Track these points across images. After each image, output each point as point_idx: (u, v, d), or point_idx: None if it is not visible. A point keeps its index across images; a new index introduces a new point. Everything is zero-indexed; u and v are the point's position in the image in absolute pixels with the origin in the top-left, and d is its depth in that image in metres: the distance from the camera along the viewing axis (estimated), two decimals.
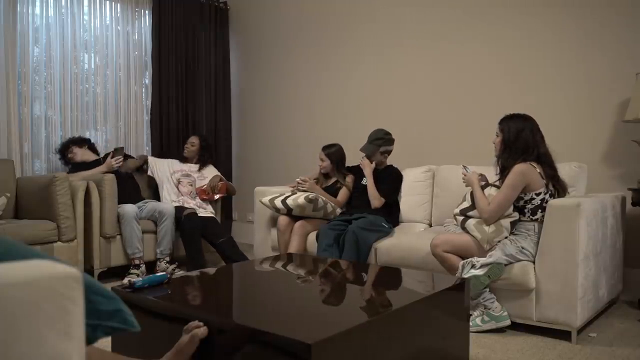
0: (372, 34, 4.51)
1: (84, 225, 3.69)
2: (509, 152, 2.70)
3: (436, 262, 2.79)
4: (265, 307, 1.76)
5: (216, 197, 4.36)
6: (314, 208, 3.48)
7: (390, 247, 3.15)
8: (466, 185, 2.86)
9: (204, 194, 4.31)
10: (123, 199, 3.89)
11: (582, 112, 3.50)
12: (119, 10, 4.80)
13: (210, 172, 4.50)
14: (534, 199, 2.63)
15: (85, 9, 4.59)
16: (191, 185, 4.35)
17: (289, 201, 3.50)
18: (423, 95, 4.22)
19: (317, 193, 3.57)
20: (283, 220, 3.56)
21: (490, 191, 2.73)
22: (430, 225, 3.66)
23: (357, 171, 3.73)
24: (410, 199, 3.70)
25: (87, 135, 4.53)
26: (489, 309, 2.62)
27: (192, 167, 4.46)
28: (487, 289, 2.63)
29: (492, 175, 2.87)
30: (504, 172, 2.70)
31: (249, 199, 4.85)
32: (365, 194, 3.53)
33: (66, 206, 3.54)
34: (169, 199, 4.24)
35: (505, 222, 2.66)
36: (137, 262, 3.79)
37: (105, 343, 1.97)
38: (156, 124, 4.95)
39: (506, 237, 2.66)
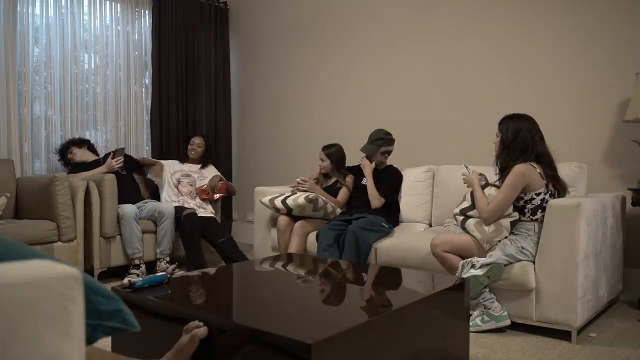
0: (371, 33, 4.51)
1: (84, 225, 3.69)
2: (507, 152, 2.70)
3: (436, 262, 2.79)
4: (265, 307, 1.76)
5: (216, 196, 4.37)
6: (314, 208, 3.48)
7: (390, 247, 3.15)
8: (467, 186, 2.86)
9: (204, 194, 4.31)
10: (123, 199, 3.89)
11: (582, 112, 3.50)
12: (119, 10, 4.80)
13: (210, 172, 4.51)
14: (534, 199, 2.63)
15: (85, 9, 4.59)
16: (191, 185, 4.35)
17: (289, 201, 3.50)
18: (423, 94, 4.21)
19: (317, 193, 3.57)
20: (283, 220, 3.56)
21: (490, 191, 2.73)
22: (430, 225, 3.66)
23: (357, 171, 3.73)
24: (410, 199, 3.70)
25: (87, 135, 4.53)
26: (489, 308, 2.62)
27: (193, 167, 4.46)
28: (487, 289, 2.63)
29: (492, 175, 2.87)
30: (503, 172, 2.70)
31: (249, 199, 4.85)
32: (365, 194, 3.53)
33: (66, 206, 3.54)
34: (169, 199, 4.24)
35: (505, 222, 2.66)
36: (137, 262, 3.79)
37: (105, 343, 1.97)
38: (156, 124, 4.95)
39: (506, 237, 2.66)
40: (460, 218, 2.82)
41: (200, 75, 5.23)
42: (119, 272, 3.83)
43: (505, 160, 2.70)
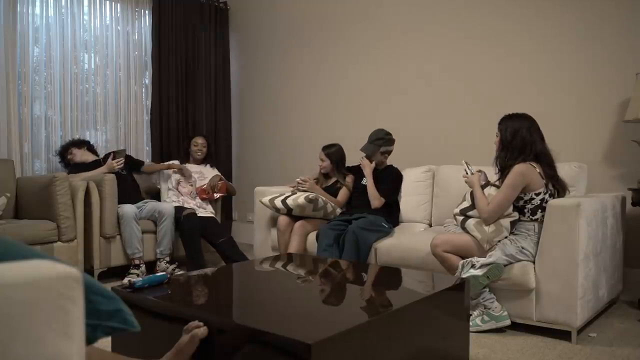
0: (371, 33, 4.50)
1: (84, 225, 3.69)
2: (507, 151, 2.70)
3: (436, 262, 2.79)
4: (265, 307, 1.76)
5: (216, 196, 4.37)
6: (314, 208, 3.48)
7: (390, 247, 3.15)
8: (469, 186, 2.85)
9: (204, 193, 4.31)
10: (123, 199, 3.89)
11: (582, 112, 3.50)
12: (119, 10, 4.81)
13: (210, 171, 4.51)
14: (533, 199, 2.63)
15: (85, 9, 4.59)
16: (191, 185, 4.35)
17: (289, 201, 3.50)
18: (423, 94, 4.21)
19: (317, 193, 3.57)
20: (283, 220, 3.56)
21: (490, 191, 2.73)
22: (430, 225, 3.66)
23: (357, 171, 3.73)
24: (410, 199, 3.70)
25: (87, 135, 4.54)
26: (489, 308, 2.62)
27: (193, 168, 4.46)
28: (487, 289, 2.63)
29: (492, 174, 2.86)
30: (503, 172, 2.70)
31: (249, 199, 4.86)
32: (365, 194, 3.53)
33: (66, 206, 3.54)
34: (169, 200, 4.24)
35: (505, 222, 2.66)
36: (137, 262, 3.79)
37: (105, 343, 1.97)
38: (156, 124, 4.95)
39: (506, 237, 2.66)
40: (460, 218, 2.82)
41: (200, 75, 5.23)
42: (119, 272, 3.84)
43: (505, 160, 2.70)
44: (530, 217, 2.66)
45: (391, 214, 3.59)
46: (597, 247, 2.64)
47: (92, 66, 4.63)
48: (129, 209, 3.81)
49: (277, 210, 3.59)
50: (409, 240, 3.12)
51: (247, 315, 1.67)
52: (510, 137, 2.69)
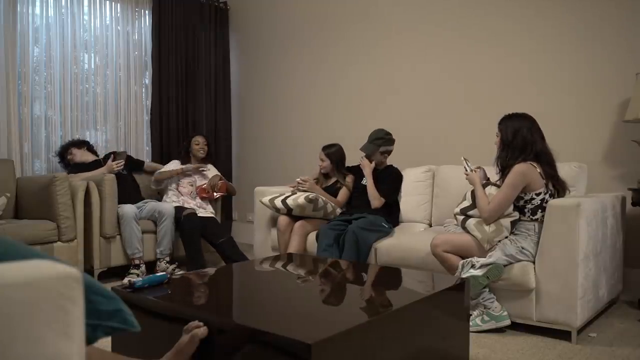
0: (372, 33, 4.50)
1: (84, 225, 3.69)
2: (507, 151, 2.70)
3: (436, 262, 2.79)
4: (265, 307, 1.76)
5: (216, 195, 4.36)
6: (314, 208, 3.48)
7: (390, 247, 3.15)
8: (470, 183, 2.85)
9: (204, 193, 4.30)
10: (123, 199, 3.89)
11: (582, 112, 3.50)
12: (119, 10, 4.81)
13: (210, 171, 4.51)
14: (534, 198, 2.63)
15: (85, 9, 4.59)
16: (191, 185, 4.35)
17: (289, 201, 3.50)
18: (423, 94, 4.21)
19: (317, 193, 3.57)
20: (283, 220, 3.56)
21: (490, 190, 2.73)
22: (430, 225, 3.66)
23: (357, 171, 3.73)
24: (410, 199, 3.70)
25: (87, 135, 4.54)
26: (489, 308, 2.62)
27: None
28: (487, 289, 2.63)
29: (492, 174, 2.87)
30: (504, 172, 2.70)
31: (249, 199, 4.86)
32: (365, 194, 3.53)
33: (66, 206, 3.54)
34: (169, 200, 4.24)
35: (505, 222, 2.66)
36: (137, 262, 3.79)
37: (105, 343, 1.97)
38: (156, 124, 4.95)
39: (506, 237, 2.66)
40: (461, 217, 2.82)
41: (200, 75, 5.23)
42: (119, 272, 3.84)
43: (506, 159, 2.70)
44: (531, 217, 2.66)
45: (391, 214, 3.59)
46: (597, 247, 2.64)
47: (92, 66, 4.63)
48: (129, 209, 3.81)
49: (277, 210, 3.59)
50: (409, 240, 3.12)
51: (247, 315, 1.67)
52: (511, 137, 2.69)
